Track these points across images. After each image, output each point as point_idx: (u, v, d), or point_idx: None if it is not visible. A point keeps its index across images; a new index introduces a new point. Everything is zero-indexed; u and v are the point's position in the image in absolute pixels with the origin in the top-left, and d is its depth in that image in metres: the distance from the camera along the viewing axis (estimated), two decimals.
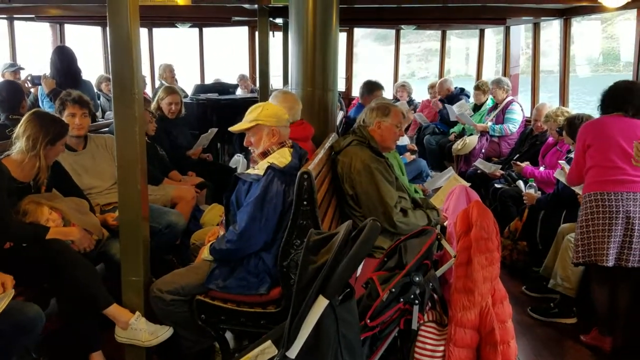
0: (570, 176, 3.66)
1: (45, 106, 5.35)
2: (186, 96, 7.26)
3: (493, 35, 9.54)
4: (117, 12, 2.58)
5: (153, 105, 5.04)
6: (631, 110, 3.38)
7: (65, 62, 5.60)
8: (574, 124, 4.20)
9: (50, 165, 3.09)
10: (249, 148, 2.95)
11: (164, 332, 2.83)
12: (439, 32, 9.62)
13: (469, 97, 8.03)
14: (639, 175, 3.27)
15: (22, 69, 6.31)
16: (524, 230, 4.58)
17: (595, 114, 3.79)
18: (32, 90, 5.81)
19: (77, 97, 3.61)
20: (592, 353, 3.41)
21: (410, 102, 8.44)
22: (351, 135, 3.53)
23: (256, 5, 6.09)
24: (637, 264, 3.27)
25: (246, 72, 9.82)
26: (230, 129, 2.96)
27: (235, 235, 2.70)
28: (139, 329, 2.81)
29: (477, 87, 7.36)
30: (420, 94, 8.89)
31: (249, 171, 2.85)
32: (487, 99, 7.22)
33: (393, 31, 10.03)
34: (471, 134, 6.86)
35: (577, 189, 3.79)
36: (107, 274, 3.38)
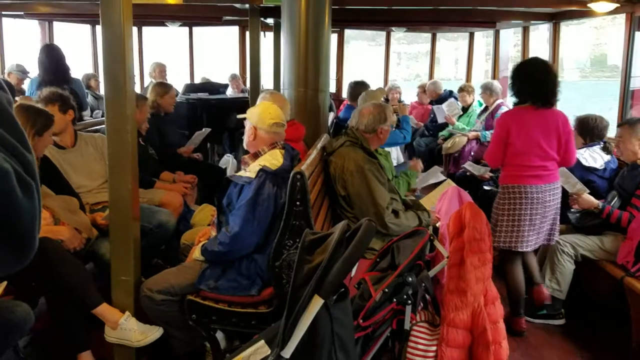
0: (491, 157, 3.77)
1: None
2: (177, 95, 7.22)
3: (482, 38, 9.59)
4: (110, 10, 2.56)
5: (149, 103, 4.99)
6: (540, 102, 3.50)
7: (53, 61, 5.55)
8: (587, 123, 4.30)
9: (40, 158, 3.07)
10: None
11: (154, 332, 2.81)
12: (409, 35, 9.68)
13: (457, 99, 8.08)
14: (551, 168, 3.54)
15: (30, 77, 6.27)
16: None
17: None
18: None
19: (45, 95, 3.52)
20: (581, 354, 3.44)
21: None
22: (344, 137, 3.54)
23: (247, 5, 6.08)
24: (546, 242, 3.70)
25: (236, 72, 9.79)
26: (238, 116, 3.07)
27: (228, 238, 2.69)
28: (128, 329, 2.79)
29: (460, 89, 7.41)
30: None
31: (240, 173, 2.84)
32: (473, 100, 7.26)
33: (367, 31, 10.03)
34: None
35: (567, 187, 3.85)
36: (96, 274, 3.36)
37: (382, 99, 4.97)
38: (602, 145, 4.22)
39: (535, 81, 3.52)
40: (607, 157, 4.16)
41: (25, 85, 6.33)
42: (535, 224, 3.54)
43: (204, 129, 5.54)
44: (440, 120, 7.41)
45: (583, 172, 4.05)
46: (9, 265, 0.79)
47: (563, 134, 3.51)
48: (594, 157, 4.13)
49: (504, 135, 3.55)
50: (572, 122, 4.46)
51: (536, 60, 3.75)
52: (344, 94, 9.79)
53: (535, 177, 3.49)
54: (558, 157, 3.53)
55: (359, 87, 5.81)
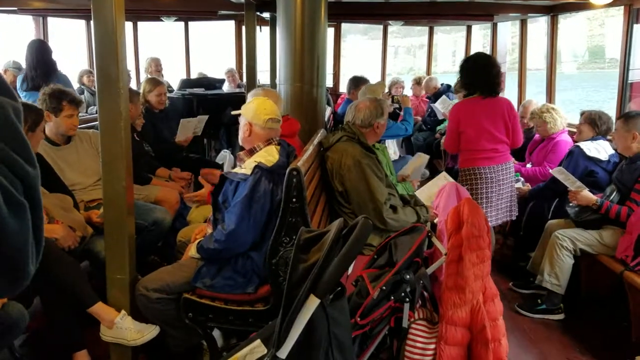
0: (447, 145, 4.25)
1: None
2: (172, 90, 7.17)
3: (479, 30, 9.55)
4: (102, 5, 2.52)
5: (140, 98, 4.94)
6: (486, 92, 3.92)
7: (37, 56, 5.50)
8: (597, 117, 4.34)
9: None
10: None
11: (150, 331, 2.78)
12: (403, 29, 9.59)
13: (453, 93, 8.03)
14: (501, 150, 3.95)
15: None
16: (513, 225, 4.60)
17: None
18: None
19: (73, 97, 3.54)
20: (580, 349, 3.43)
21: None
22: (340, 132, 3.50)
23: None
24: (507, 218, 4.13)
25: (233, 66, 9.72)
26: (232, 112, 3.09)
27: (224, 236, 2.66)
28: (124, 328, 2.76)
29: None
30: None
31: (235, 170, 2.80)
32: None
33: (360, 24, 9.95)
34: None
35: (567, 184, 3.85)
36: (91, 272, 3.33)
37: (384, 93, 4.95)
38: (608, 140, 4.22)
39: (482, 74, 3.90)
40: (612, 151, 4.15)
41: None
42: (492, 201, 3.94)
43: (198, 117, 5.45)
44: (440, 117, 7.39)
45: (587, 162, 4.10)
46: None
47: (509, 119, 3.93)
48: (597, 149, 4.13)
49: (455, 125, 4.00)
50: (577, 115, 4.54)
51: (481, 55, 4.26)
52: (342, 88, 9.78)
53: (487, 159, 3.90)
54: (508, 140, 3.95)
55: (356, 81, 5.79)
